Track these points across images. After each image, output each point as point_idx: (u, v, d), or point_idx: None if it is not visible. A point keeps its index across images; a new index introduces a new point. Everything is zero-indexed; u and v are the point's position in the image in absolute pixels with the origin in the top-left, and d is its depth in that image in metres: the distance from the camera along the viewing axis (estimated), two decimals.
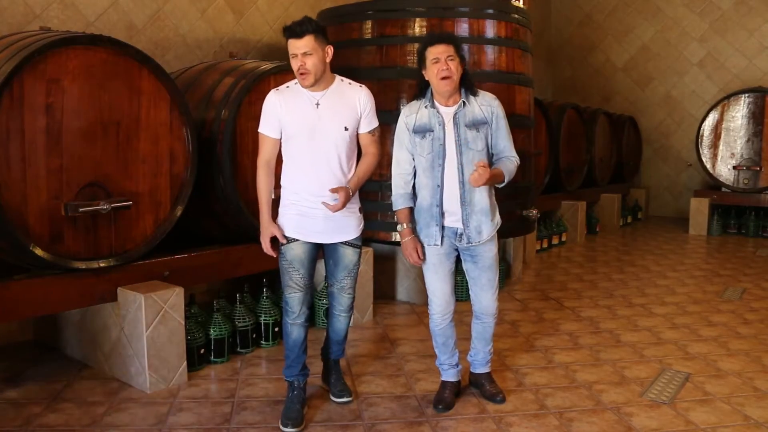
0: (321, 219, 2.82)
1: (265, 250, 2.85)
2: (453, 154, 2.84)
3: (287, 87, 2.86)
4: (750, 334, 4.20)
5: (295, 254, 2.85)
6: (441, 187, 2.86)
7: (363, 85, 2.90)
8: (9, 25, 3.75)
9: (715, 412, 3.03)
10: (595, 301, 4.98)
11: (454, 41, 2.83)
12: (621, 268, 6.20)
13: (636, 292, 5.27)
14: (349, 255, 2.94)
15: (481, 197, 2.87)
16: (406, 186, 2.94)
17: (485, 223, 2.90)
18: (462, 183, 2.84)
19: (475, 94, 2.90)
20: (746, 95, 8.19)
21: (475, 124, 2.85)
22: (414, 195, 2.96)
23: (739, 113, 8.22)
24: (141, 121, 3.21)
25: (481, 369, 3.21)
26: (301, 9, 5.74)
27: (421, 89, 2.92)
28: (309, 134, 2.77)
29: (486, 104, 2.89)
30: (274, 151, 2.85)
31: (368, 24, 4.55)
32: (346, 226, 2.89)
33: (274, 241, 2.86)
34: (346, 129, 2.80)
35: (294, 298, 2.89)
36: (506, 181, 2.91)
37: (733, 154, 8.24)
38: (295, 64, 2.72)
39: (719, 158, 8.35)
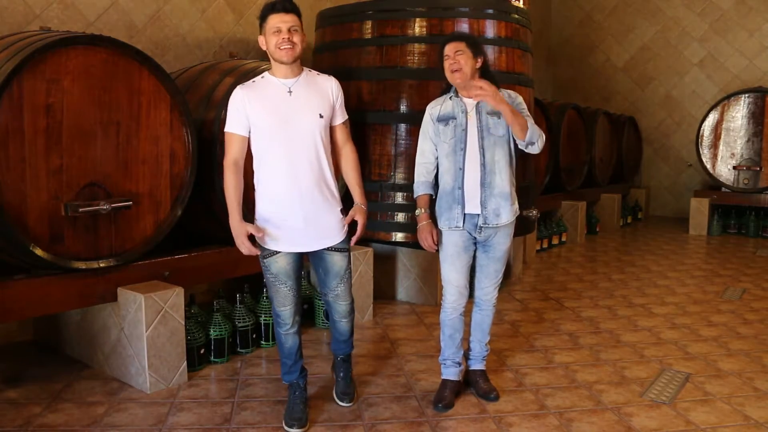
0: (302, 225, 2.70)
1: (246, 252, 2.71)
2: (474, 139, 2.95)
3: (253, 81, 2.74)
4: (750, 334, 4.20)
5: (280, 267, 2.75)
6: (462, 170, 2.96)
7: (332, 76, 2.85)
8: (9, 25, 3.75)
9: (715, 412, 3.03)
10: (595, 302, 4.98)
11: (464, 38, 2.99)
12: (621, 269, 6.20)
13: (636, 293, 5.27)
14: (337, 261, 2.83)
15: (502, 181, 2.97)
16: (428, 175, 3.07)
17: (504, 207, 2.98)
18: (483, 165, 2.95)
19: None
20: (746, 95, 8.18)
21: (497, 112, 2.94)
22: (435, 184, 3.08)
23: (739, 113, 8.22)
24: (141, 121, 3.21)
25: (477, 365, 3.23)
26: (301, 9, 5.73)
27: (448, 85, 3.07)
28: (283, 124, 2.65)
29: (506, 96, 3.01)
30: (243, 150, 2.71)
31: (368, 24, 4.55)
32: (329, 230, 2.78)
33: (251, 239, 2.73)
34: (321, 116, 2.71)
35: (285, 312, 2.81)
36: (530, 134, 2.90)
37: (733, 154, 8.24)
38: (276, 38, 2.60)
39: (719, 158, 8.34)
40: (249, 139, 2.73)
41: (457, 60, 2.91)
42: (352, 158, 2.90)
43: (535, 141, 2.94)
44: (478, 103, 2.97)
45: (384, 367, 3.55)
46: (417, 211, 3.07)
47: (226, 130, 2.72)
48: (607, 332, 4.21)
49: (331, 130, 2.83)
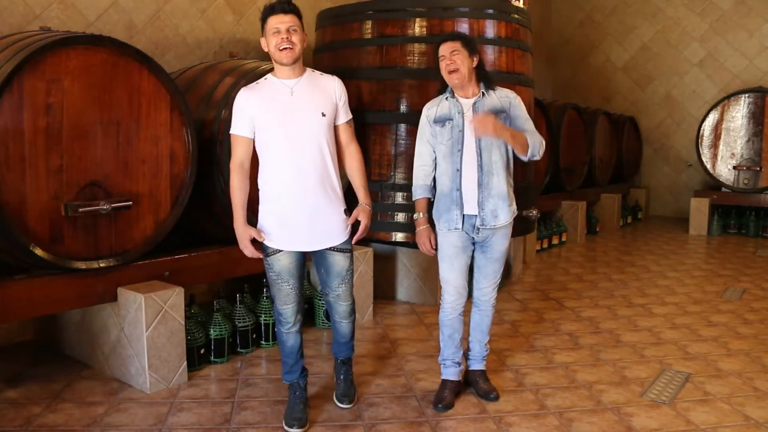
0: (305, 224, 2.71)
1: (249, 255, 2.73)
2: (472, 139, 2.94)
3: (257, 83, 2.76)
4: (750, 334, 4.20)
5: (282, 266, 2.75)
6: (460, 171, 2.95)
7: (335, 76, 2.86)
8: (9, 25, 3.75)
9: (715, 412, 3.03)
10: (595, 302, 4.98)
11: (459, 37, 2.97)
12: (621, 269, 6.20)
13: (636, 293, 5.27)
14: (339, 261, 2.83)
15: (499, 182, 2.96)
16: (426, 178, 3.06)
17: (502, 208, 2.97)
18: (480, 167, 2.93)
19: (493, 89, 3.02)
20: (746, 95, 8.19)
21: (494, 112, 2.94)
22: (433, 187, 3.06)
23: (739, 113, 8.22)
24: (141, 121, 3.21)
25: (477, 365, 3.23)
26: (301, 9, 5.73)
27: (443, 85, 3.05)
28: (285, 123, 2.66)
29: (504, 96, 3.02)
30: (248, 152, 2.72)
31: (368, 24, 4.55)
32: (333, 230, 2.77)
33: (254, 242, 2.74)
34: (323, 115, 2.71)
35: (287, 310, 2.82)
36: (531, 150, 2.92)
37: (733, 154, 8.24)
38: (276, 40, 2.62)
39: (719, 158, 8.34)
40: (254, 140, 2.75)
41: (454, 60, 2.90)
42: (357, 158, 2.90)
43: (536, 154, 2.96)
44: (474, 103, 2.96)
45: (384, 367, 3.55)
46: (415, 215, 3.07)
47: (231, 132, 2.75)
48: (607, 332, 4.21)
49: (335, 129, 2.83)
